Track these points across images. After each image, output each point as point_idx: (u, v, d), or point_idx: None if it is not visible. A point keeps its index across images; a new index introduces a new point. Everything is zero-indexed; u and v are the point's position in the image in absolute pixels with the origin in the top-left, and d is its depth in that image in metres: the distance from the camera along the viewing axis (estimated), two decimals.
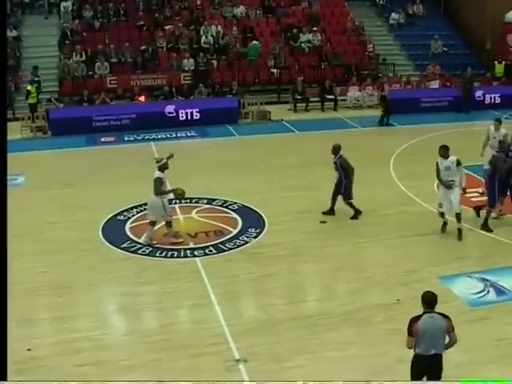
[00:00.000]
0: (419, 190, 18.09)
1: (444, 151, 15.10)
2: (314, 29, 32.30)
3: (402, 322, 11.50)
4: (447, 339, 8.87)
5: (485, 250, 14.84)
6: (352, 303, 12.30)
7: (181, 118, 25.94)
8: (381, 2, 36.49)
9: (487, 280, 13.21)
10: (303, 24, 32.80)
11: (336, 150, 16.32)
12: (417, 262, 13.95)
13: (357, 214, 16.37)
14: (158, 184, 14.40)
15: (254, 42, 30.97)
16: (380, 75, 31.47)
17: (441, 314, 8.78)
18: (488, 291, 12.86)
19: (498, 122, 18.35)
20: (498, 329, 11.47)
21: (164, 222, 14.92)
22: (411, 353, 10.37)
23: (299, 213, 16.49)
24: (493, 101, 30.13)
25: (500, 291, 12.86)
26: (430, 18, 35.99)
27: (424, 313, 8.76)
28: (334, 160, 16.32)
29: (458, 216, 15.10)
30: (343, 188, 16.33)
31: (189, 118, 26.01)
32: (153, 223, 14.83)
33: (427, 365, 8.84)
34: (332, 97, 28.95)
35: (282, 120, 26.18)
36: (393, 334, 11.19)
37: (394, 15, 35.26)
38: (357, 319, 11.72)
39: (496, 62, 32.68)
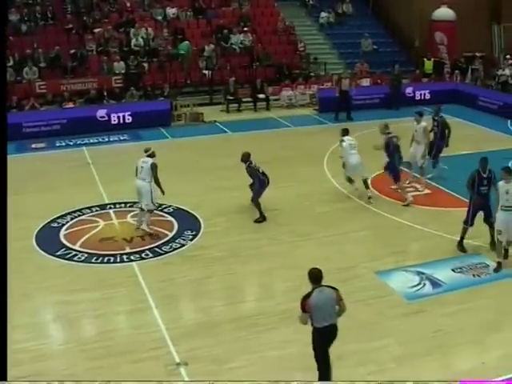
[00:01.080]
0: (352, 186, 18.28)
1: (507, 174, 13.46)
2: (245, 29, 32.33)
3: (340, 318, 11.64)
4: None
5: (420, 243, 15.10)
6: (290, 302, 12.26)
7: (113, 122, 25.64)
8: (310, 2, 36.71)
9: (423, 273, 13.45)
10: (234, 25, 32.79)
11: (244, 157, 16.33)
12: (353, 258, 14.12)
13: (261, 217, 16.26)
14: (156, 169, 15.34)
15: (186, 42, 30.87)
16: (312, 74, 31.69)
17: (328, 287, 9.36)
18: (424, 284, 13.09)
19: (419, 115, 18.62)
20: (434, 321, 11.69)
21: (146, 210, 15.33)
22: (351, 348, 10.54)
23: (234, 213, 16.49)
24: (422, 97, 30.63)
25: (436, 284, 13.11)
26: (359, 16, 36.42)
27: (313, 289, 9.23)
28: (245, 167, 16.34)
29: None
30: (253, 191, 16.42)
31: (121, 121, 25.73)
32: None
33: (327, 336, 9.44)
34: (264, 96, 29.02)
35: (215, 121, 26.15)
36: None
37: (323, 14, 35.52)
38: (295, 317, 11.68)
39: (425, 59, 33.22)
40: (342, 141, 17.79)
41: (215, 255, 14.26)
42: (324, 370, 9.56)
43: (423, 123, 18.56)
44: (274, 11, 35.18)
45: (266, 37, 33.23)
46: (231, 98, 28.66)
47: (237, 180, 19.04)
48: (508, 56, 32.10)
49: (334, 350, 10.49)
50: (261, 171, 16.37)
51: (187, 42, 30.88)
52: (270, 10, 35.28)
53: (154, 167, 15.38)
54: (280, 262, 13.99)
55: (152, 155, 15.70)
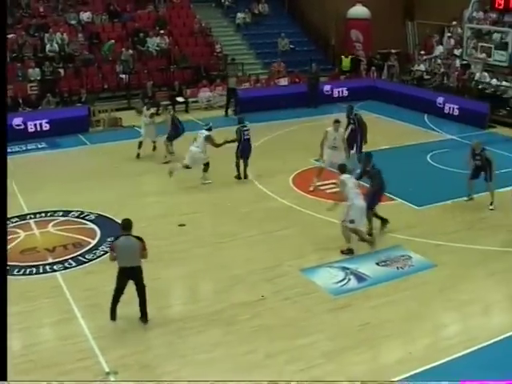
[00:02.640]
0: (274, 186, 18.39)
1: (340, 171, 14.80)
2: (161, 32, 32.09)
3: (269, 317, 11.78)
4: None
5: (342, 239, 15.23)
6: (217, 303, 12.33)
7: (30, 130, 25.03)
8: (226, 3, 36.69)
9: (347, 268, 13.63)
10: (150, 28, 32.52)
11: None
12: (278, 257, 14.17)
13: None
14: (211, 139, 18.81)
15: (111, 41, 30.60)
16: (229, 75, 31.67)
17: (135, 237, 11.32)
18: (349, 279, 13.27)
19: (337, 122, 18.82)
20: (361, 314, 11.87)
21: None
22: (280, 346, 10.60)
23: (157, 218, 16.35)
24: (341, 94, 30.97)
25: (360, 278, 13.30)
26: (275, 16, 36.62)
27: (122, 235, 11.38)
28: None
29: None
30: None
31: (38, 129, 25.14)
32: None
33: (128, 275, 11.35)
34: (182, 99, 28.89)
35: (134, 126, 25.87)
36: (260, 331, 11.36)
37: (239, 15, 35.58)
38: (223, 319, 11.76)
39: (343, 57, 33.68)
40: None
41: None
42: (112, 302, 11.55)
43: (341, 129, 18.80)
44: (189, 13, 35.07)
45: (183, 39, 33.09)
46: (149, 101, 28.36)
47: (157, 184, 18.98)
48: (422, 52, 32.85)
49: (262, 349, 10.62)
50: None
51: (113, 41, 30.59)
52: (185, 11, 35.15)
53: (207, 138, 18.64)
54: (205, 265, 13.95)
55: (210, 129, 18.89)
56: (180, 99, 28.81)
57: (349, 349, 10.84)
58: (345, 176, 14.46)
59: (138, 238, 11.37)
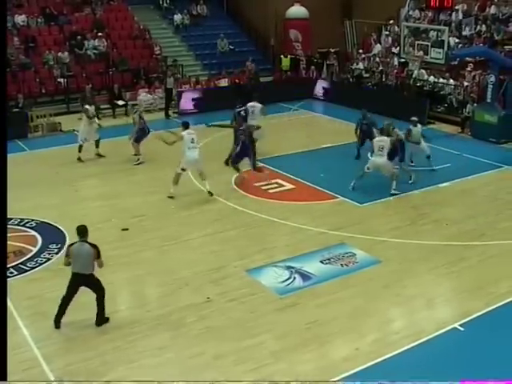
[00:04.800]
0: (216, 187, 18.30)
1: None
2: (99, 35, 31.72)
3: (216, 319, 11.75)
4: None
5: (287, 238, 15.32)
6: (164, 307, 12.24)
7: None
8: (165, 5, 36.47)
9: (292, 267, 13.66)
10: (88, 30, 32.10)
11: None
12: (223, 259, 14.15)
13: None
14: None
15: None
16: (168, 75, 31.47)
17: (90, 244, 11.23)
18: (294, 278, 13.29)
19: (257, 127, 19.31)
20: (308, 312, 11.91)
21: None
22: (228, 347, 10.58)
23: (100, 223, 16.11)
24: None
25: (305, 276, 13.34)
26: (214, 17, 36.51)
27: (78, 241, 11.30)
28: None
29: None
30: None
31: None
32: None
33: (80, 281, 11.31)
34: (122, 102, 28.62)
35: (74, 130, 25.50)
36: (207, 333, 11.33)
37: (177, 17, 35.41)
38: (170, 323, 11.68)
39: (282, 56, 33.83)
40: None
41: None
42: (58, 308, 11.48)
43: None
44: (127, 15, 34.75)
45: (121, 41, 32.77)
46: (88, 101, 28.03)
47: (99, 188, 18.79)
48: (361, 50, 33.20)
49: (211, 351, 10.59)
50: None
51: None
52: (123, 14, 34.79)
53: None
54: (150, 268, 13.83)
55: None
56: (120, 102, 28.53)
57: (297, 347, 10.86)
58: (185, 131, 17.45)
59: (93, 245, 11.28)
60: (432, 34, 26.75)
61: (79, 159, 21.42)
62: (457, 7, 30.68)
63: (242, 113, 21.19)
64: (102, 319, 11.59)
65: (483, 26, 29.45)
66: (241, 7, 37.02)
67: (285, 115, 27.86)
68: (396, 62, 30.43)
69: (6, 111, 7.82)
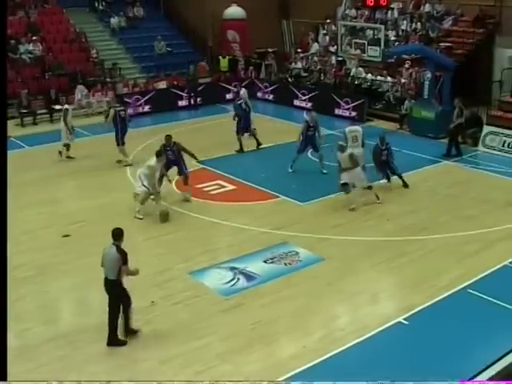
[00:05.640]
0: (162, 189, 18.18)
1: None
2: (34, 38, 31.15)
3: (160, 323, 11.67)
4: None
5: (230, 239, 15.30)
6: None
7: None
8: (100, 7, 36.01)
9: (236, 268, 13.65)
10: (22, 34, 31.48)
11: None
12: (165, 262, 14.06)
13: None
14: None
15: None
16: (108, 80, 31.14)
17: (118, 248, 10.86)
18: (238, 279, 13.29)
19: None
20: (253, 313, 11.92)
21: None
22: (174, 351, 10.52)
23: (40, 230, 15.87)
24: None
25: (249, 277, 13.34)
26: (151, 19, 36.15)
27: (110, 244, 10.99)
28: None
29: None
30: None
31: None
32: None
33: (105, 285, 11.11)
34: (60, 107, 28.16)
35: (10, 137, 24.99)
36: (153, 337, 11.22)
37: (114, 19, 34.99)
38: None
39: (220, 57, 33.77)
40: None
41: (22, 275, 13.53)
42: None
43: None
44: (63, 18, 34.18)
45: (57, 45, 32.22)
46: (25, 111, 27.49)
47: (39, 195, 18.46)
48: (299, 50, 33.38)
49: (157, 355, 10.50)
50: None
51: None
52: (58, 17, 34.20)
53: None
54: (93, 274, 13.50)
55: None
56: (57, 107, 28.09)
57: (243, 348, 10.86)
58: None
59: (121, 250, 10.90)
60: (368, 32, 27.02)
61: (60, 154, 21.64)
62: (392, 6, 31.05)
63: (243, 105, 22.13)
64: (115, 338, 11.10)
65: (418, 23, 29.87)
66: (177, 9, 36.79)
67: (224, 116, 27.78)
68: (334, 61, 30.69)
69: (5, 110, 7.69)
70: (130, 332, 11.18)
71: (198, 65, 32.89)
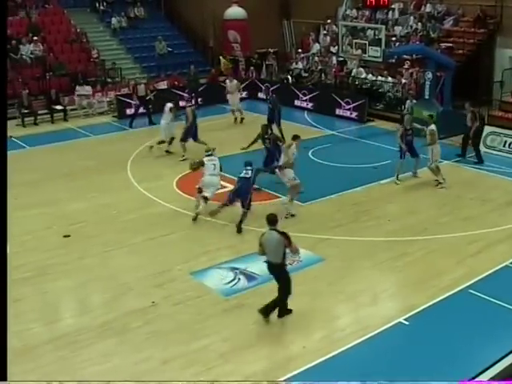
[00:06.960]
0: (158, 190, 18.20)
1: None
2: (35, 39, 31.16)
3: (161, 323, 11.66)
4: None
5: (231, 239, 15.27)
6: (108, 313, 12.07)
7: None
8: (101, 7, 36.01)
9: (236, 268, 13.64)
10: (23, 35, 31.50)
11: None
12: (166, 262, 14.04)
13: None
14: None
15: None
16: (109, 80, 31.15)
17: (278, 231, 11.15)
18: (239, 279, 13.28)
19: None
20: (254, 313, 11.83)
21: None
22: (176, 351, 10.50)
23: (40, 230, 15.87)
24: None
25: (250, 277, 13.33)
26: (152, 20, 36.18)
27: (268, 230, 11.28)
28: None
29: None
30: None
31: None
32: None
33: (271, 269, 11.51)
34: (61, 107, 28.20)
35: (11, 137, 25.03)
36: (153, 337, 11.23)
37: (115, 19, 34.99)
38: (116, 328, 11.54)
39: (221, 58, 33.75)
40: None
41: (22, 276, 13.49)
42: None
43: None
44: (64, 19, 34.20)
45: (58, 45, 32.26)
46: (26, 111, 27.51)
47: (40, 196, 18.45)
48: (300, 50, 33.38)
49: (158, 355, 10.49)
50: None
51: None
52: (59, 17, 34.23)
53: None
54: (93, 275, 13.63)
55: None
56: (58, 107, 28.11)
57: (244, 348, 10.85)
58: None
59: (282, 232, 11.22)
60: (369, 32, 27.04)
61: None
62: (393, 6, 31.07)
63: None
64: (282, 309, 11.71)
65: (419, 24, 29.86)
66: (178, 9, 36.81)
67: (226, 116, 27.77)
68: (335, 61, 30.70)
69: (5, 111, 7.70)
70: (287, 312, 11.71)
71: (211, 73, 33.01)
